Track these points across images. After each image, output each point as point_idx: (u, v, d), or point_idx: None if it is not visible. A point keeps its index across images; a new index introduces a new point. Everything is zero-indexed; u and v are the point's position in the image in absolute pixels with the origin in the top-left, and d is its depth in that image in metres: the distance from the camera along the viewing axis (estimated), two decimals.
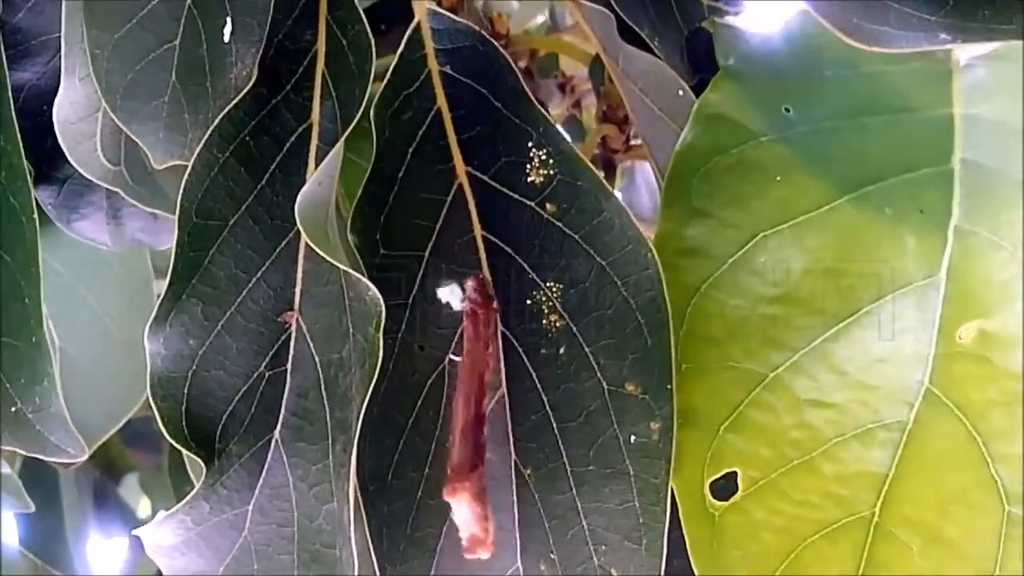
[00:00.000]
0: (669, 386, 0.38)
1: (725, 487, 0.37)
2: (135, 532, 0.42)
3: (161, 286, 0.93)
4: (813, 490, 0.35)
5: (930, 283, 0.38)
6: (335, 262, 0.36)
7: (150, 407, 0.41)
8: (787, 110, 0.42)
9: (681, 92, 0.44)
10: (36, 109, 0.44)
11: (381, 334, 0.37)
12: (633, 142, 0.59)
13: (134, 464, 1.23)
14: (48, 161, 0.45)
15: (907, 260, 0.39)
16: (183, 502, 0.41)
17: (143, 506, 1.26)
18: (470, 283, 0.39)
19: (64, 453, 0.42)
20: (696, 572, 0.36)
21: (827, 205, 0.40)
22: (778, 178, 0.40)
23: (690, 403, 0.38)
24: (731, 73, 0.43)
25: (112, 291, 0.69)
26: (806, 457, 0.35)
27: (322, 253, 0.36)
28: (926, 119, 0.43)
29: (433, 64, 0.43)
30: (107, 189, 0.45)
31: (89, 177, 0.41)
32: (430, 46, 0.43)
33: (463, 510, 0.35)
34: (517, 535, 0.43)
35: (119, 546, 1.22)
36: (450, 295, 0.40)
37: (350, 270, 0.37)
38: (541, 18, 0.79)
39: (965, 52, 0.47)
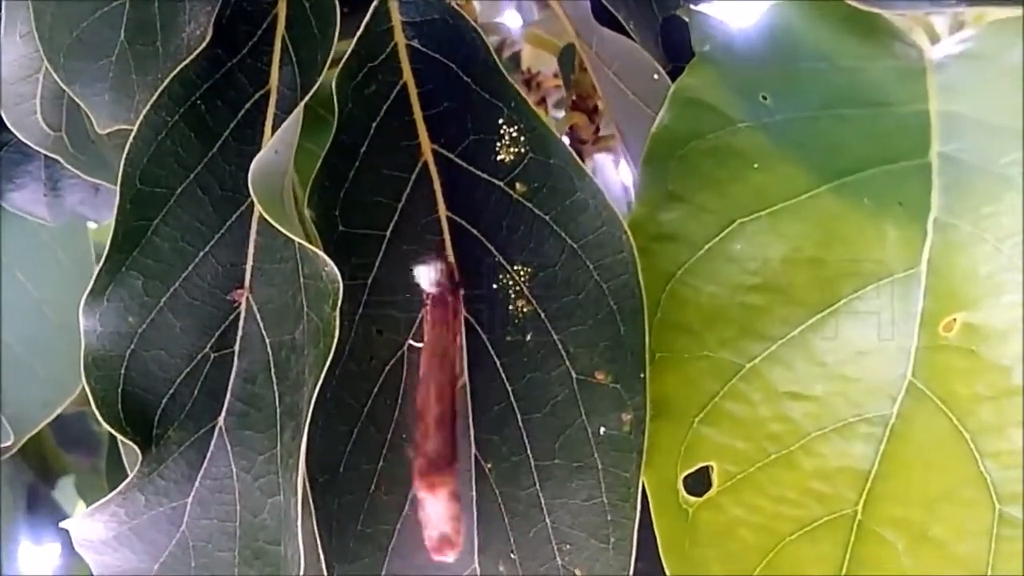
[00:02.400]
0: (642, 375, 0.36)
1: (699, 482, 0.35)
2: (63, 524, 0.40)
3: None
4: (793, 486, 0.33)
5: (911, 275, 0.37)
6: (290, 234, 0.34)
7: (88, 403, 0.38)
8: (764, 98, 0.41)
9: (656, 76, 0.42)
10: None
11: (338, 313, 0.34)
12: (603, 132, 0.57)
13: (69, 466, 1.19)
14: None
15: (887, 251, 0.37)
16: (116, 491, 0.38)
17: (79, 510, 1.22)
18: (437, 267, 0.37)
19: None
20: (668, 571, 0.34)
21: (806, 194, 0.38)
22: (756, 165, 0.39)
23: (663, 393, 0.36)
24: (708, 59, 0.42)
25: (52, 277, 0.66)
26: (785, 451, 0.34)
27: (276, 224, 0.34)
28: (902, 114, 0.42)
29: (400, 37, 0.41)
30: (45, 158, 0.42)
31: (27, 143, 0.38)
32: (397, 18, 0.41)
33: (437, 507, 0.32)
34: (475, 533, 0.41)
35: (51, 551, 1.19)
36: (423, 276, 0.37)
37: (306, 243, 0.34)
38: (507, 13, 0.77)
39: (938, 51, 0.47)
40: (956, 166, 0.40)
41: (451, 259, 0.40)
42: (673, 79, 0.42)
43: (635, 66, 0.43)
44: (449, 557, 0.33)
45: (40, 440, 1.07)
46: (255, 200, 0.33)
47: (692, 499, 0.34)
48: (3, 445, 0.40)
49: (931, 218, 0.38)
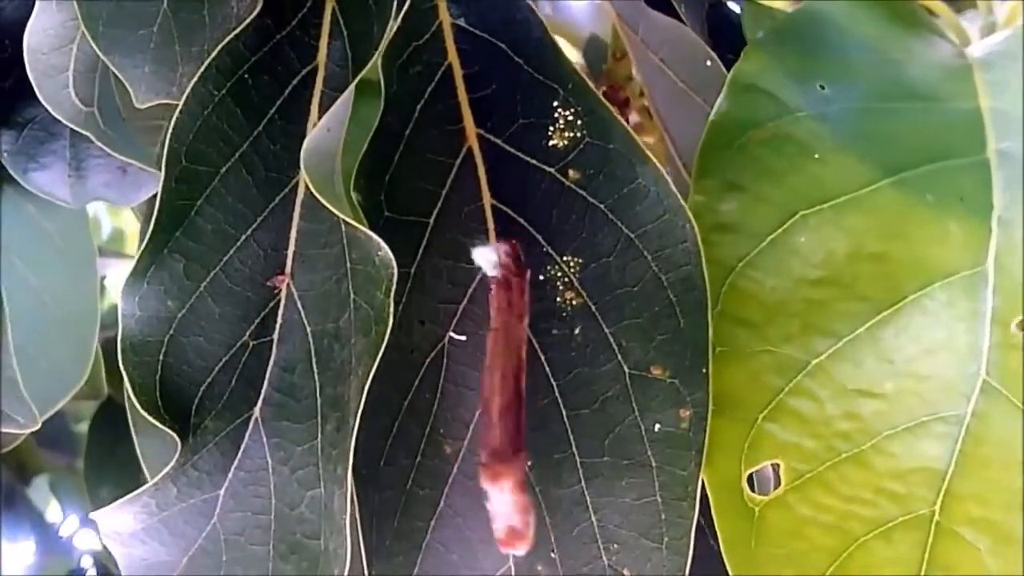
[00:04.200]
0: (704, 370, 0.34)
1: (763, 481, 0.34)
2: (92, 515, 0.38)
3: (104, 264, 0.87)
4: (865, 485, 0.32)
5: (977, 273, 0.36)
6: (343, 216, 0.32)
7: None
8: (822, 87, 0.40)
9: (709, 63, 0.41)
10: None
11: (391, 299, 0.33)
12: (631, 120, 0.56)
13: (45, 465, 1.17)
14: (7, 102, 0.40)
15: (951, 248, 0.36)
16: (150, 483, 0.37)
17: (52, 509, 1.21)
18: (503, 248, 0.35)
19: (13, 422, 0.37)
20: (731, 571, 0.33)
21: (867, 187, 0.37)
22: (816, 155, 0.38)
23: (724, 389, 0.35)
24: (762, 46, 0.41)
25: (53, 265, 0.64)
26: (856, 450, 0.32)
27: (329, 206, 0.32)
28: (955, 110, 0.42)
29: (444, 15, 0.40)
30: (71, 138, 0.41)
31: (58, 117, 0.37)
32: None
33: (504, 499, 0.31)
34: None
35: (26, 550, 1.17)
36: (483, 259, 0.36)
37: (358, 225, 0.33)
38: None
39: (978, 49, 0.46)
40: (1013, 164, 0.39)
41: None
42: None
43: (685, 52, 0.42)
44: (519, 550, 0.31)
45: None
46: (307, 181, 0.32)
47: (758, 498, 0.33)
48: (25, 432, 0.39)
49: (995, 216, 0.37)
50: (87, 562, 1.24)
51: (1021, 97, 0.42)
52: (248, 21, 0.33)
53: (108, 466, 0.97)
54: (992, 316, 0.34)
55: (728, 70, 0.42)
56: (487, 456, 0.31)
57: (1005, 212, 0.37)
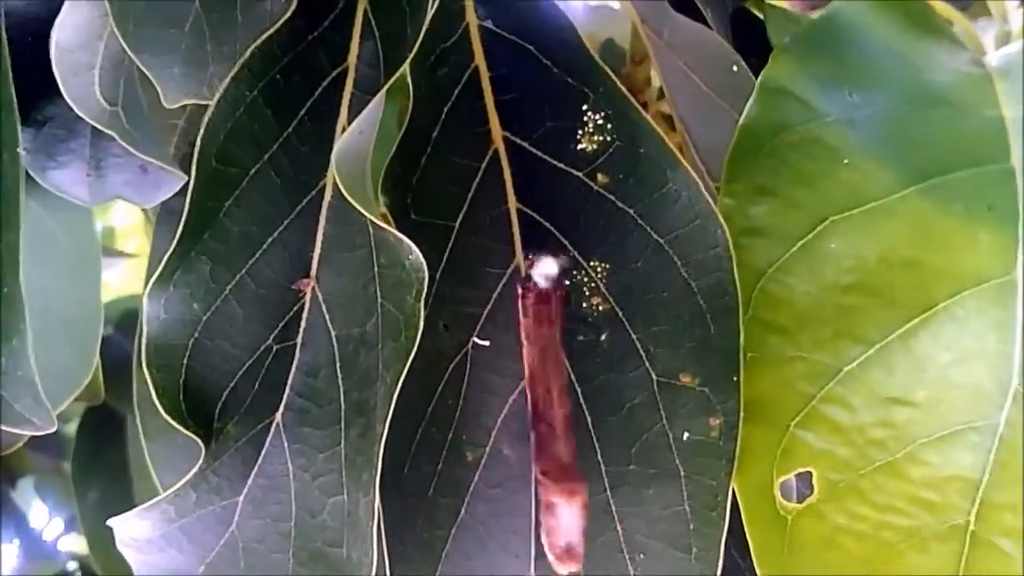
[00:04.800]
0: (735, 378, 0.34)
1: (794, 489, 0.33)
2: (109, 522, 0.37)
3: (109, 264, 0.86)
4: (899, 494, 0.32)
5: (1007, 282, 0.36)
6: (375, 220, 0.32)
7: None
8: (850, 93, 0.40)
9: (735, 68, 0.41)
10: (21, 39, 0.38)
11: (422, 304, 0.32)
12: None
13: (31, 467, 1.16)
14: (29, 99, 0.39)
15: (981, 256, 0.36)
16: (171, 490, 0.36)
17: (36, 511, 1.20)
18: (540, 260, 0.35)
19: (29, 424, 0.36)
20: None
21: (896, 193, 0.37)
22: (845, 160, 0.38)
23: (754, 396, 0.34)
24: (790, 51, 0.40)
25: (56, 266, 0.64)
26: (890, 458, 0.32)
27: (361, 209, 0.32)
28: (979, 117, 0.42)
29: (472, 17, 0.39)
30: (91, 136, 0.40)
31: (82, 115, 0.36)
32: None
33: (570, 516, 0.31)
34: (532, 541, 0.39)
35: (8, 552, 1.17)
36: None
37: (390, 229, 0.32)
38: None
39: (996, 58, 0.46)
40: None
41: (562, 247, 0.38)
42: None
43: (711, 57, 0.42)
44: (570, 569, 0.31)
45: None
46: (339, 184, 0.32)
47: (791, 506, 0.33)
48: (42, 433, 0.38)
49: (1022, 225, 0.37)
50: (72, 566, 1.23)
51: None
52: (282, 21, 0.33)
53: (96, 469, 0.96)
54: (1023, 325, 0.34)
55: (750, 74, 0.42)
56: (556, 471, 0.31)
57: None
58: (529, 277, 0.35)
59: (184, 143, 0.51)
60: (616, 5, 0.64)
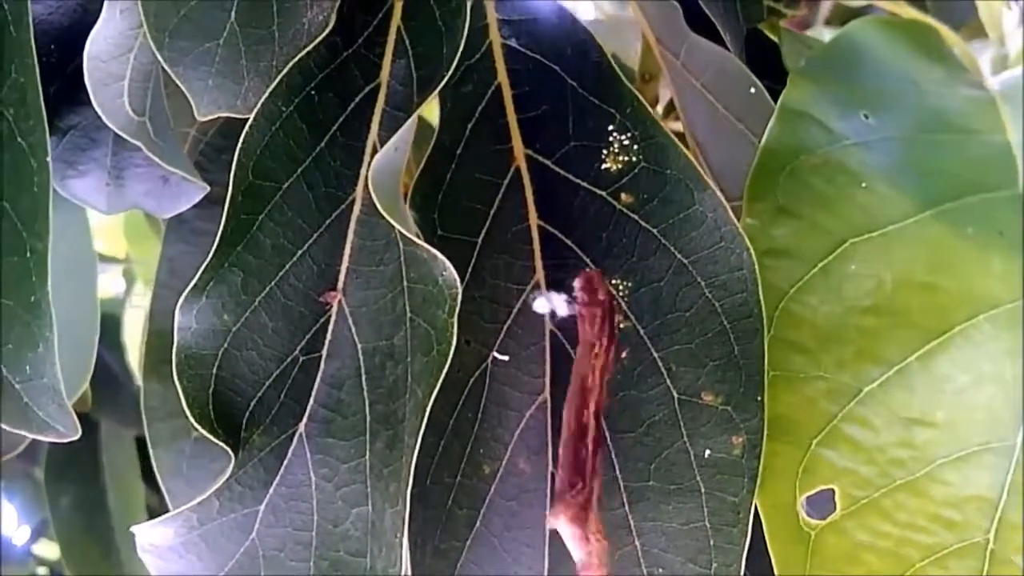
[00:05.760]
0: (759, 398, 0.35)
1: (817, 505, 0.34)
2: (132, 529, 0.37)
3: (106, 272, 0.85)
4: (920, 512, 0.32)
5: (1018, 306, 0.36)
6: (410, 235, 0.32)
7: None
8: (865, 116, 0.41)
9: (753, 90, 0.41)
10: (44, 47, 0.38)
11: (455, 319, 0.33)
12: None
13: (1, 472, 1.14)
14: (52, 107, 0.39)
15: (993, 281, 0.37)
16: (197, 500, 0.36)
17: (7, 515, 1.18)
18: (578, 281, 0.36)
19: (52, 431, 0.36)
20: None
21: (912, 218, 0.38)
22: (863, 184, 0.38)
23: (777, 413, 0.35)
24: (806, 74, 0.41)
25: (54, 272, 0.63)
26: (911, 477, 0.33)
27: (397, 225, 0.32)
28: (987, 143, 0.43)
29: (495, 35, 0.40)
30: (113, 145, 0.40)
31: (110, 125, 0.36)
32: (492, 16, 0.40)
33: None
34: (546, 554, 0.40)
35: None
36: (547, 306, 0.36)
37: (424, 244, 0.33)
38: None
39: (998, 83, 0.47)
40: None
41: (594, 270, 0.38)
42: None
43: (729, 78, 0.42)
44: None
45: None
46: (375, 201, 0.32)
47: (814, 522, 0.33)
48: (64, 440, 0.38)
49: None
50: (42, 571, 1.22)
51: None
52: (319, 39, 0.33)
53: (69, 475, 0.95)
54: None
55: (768, 96, 0.42)
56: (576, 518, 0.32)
57: None
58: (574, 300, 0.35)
59: (195, 152, 0.51)
60: (619, 14, 0.64)
